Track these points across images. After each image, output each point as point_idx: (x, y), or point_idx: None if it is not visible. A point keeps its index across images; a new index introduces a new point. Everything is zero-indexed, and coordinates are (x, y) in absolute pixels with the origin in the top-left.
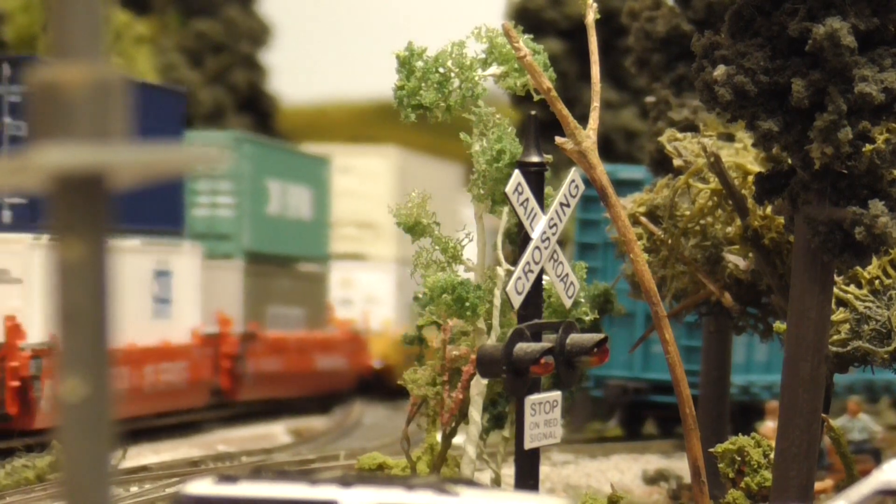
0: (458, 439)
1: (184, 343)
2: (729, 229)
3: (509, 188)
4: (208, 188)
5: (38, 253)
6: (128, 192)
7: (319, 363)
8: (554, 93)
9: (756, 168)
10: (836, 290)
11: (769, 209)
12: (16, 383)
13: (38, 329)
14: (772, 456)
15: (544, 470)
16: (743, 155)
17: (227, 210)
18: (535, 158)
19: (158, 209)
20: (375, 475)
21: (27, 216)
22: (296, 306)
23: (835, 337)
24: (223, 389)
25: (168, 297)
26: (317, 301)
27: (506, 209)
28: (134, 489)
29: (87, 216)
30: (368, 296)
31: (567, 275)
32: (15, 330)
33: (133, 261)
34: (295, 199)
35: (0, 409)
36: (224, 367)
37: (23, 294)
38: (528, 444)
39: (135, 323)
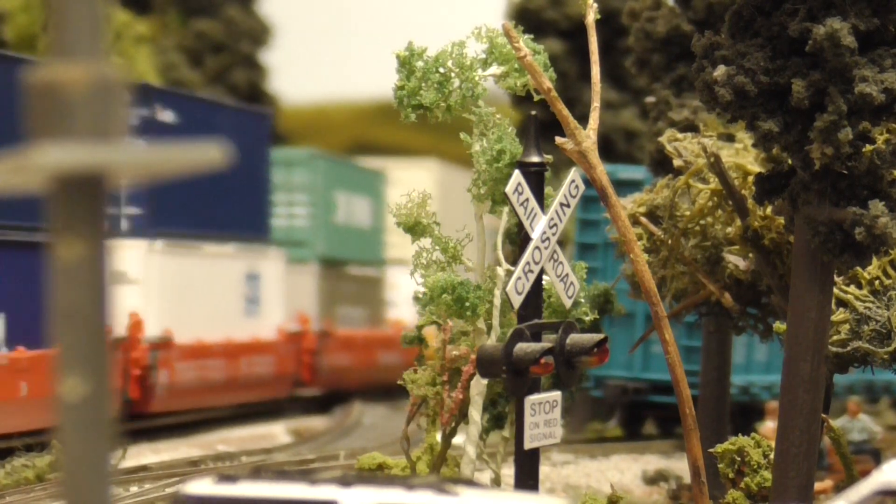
0: (457, 439)
1: (271, 339)
2: (729, 230)
3: (509, 188)
4: (286, 200)
5: (153, 257)
6: (222, 203)
7: (381, 358)
8: (554, 93)
9: (756, 168)
10: (836, 290)
11: (769, 209)
12: (137, 372)
13: (153, 324)
14: (772, 456)
15: (544, 470)
16: (743, 155)
17: (303, 219)
18: (535, 158)
19: (248, 219)
20: (375, 475)
21: (142, 225)
22: (359, 307)
23: (835, 337)
24: (304, 381)
25: (257, 298)
26: (375, 302)
27: (506, 209)
28: (134, 489)
29: (86, 216)
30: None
31: (567, 275)
32: (136, 325)
33: (228, 265)
34: (357, 209)
35: (124, 395)
36: (305, 362)
37: (140, 294)
38: (527, 444)
39: (230, 320)
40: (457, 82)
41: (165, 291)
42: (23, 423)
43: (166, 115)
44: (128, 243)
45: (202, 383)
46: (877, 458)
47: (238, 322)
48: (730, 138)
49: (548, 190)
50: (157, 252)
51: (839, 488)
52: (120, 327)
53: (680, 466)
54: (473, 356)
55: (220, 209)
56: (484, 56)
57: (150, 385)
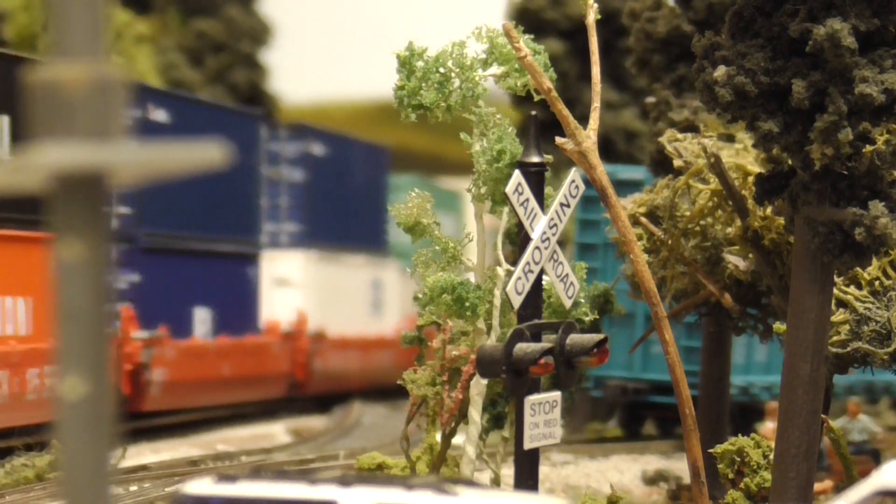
0: (457, 439)
1: (391, 337)
2: (729, 230)
3: (509, 188)
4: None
5: (309, 265)
6: (356, 221)
7: None
8: (554, 93)
9: (756, 169)
10: (836, 290)
11: (769, 210)
12: (301, 359)
13: (313, 321)
14: (771, 457)
15: (544, 470)
16: (743, 155)
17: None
18: (535, 159)
19: (372, 234)
20: (375, 475)
21: (301, 238)
22: None
23: (835, 338)
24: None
25: (380, 301)
26: None
27: (506, 209)
28: (133, 488)
29: (86, 215)
30: None
31: (567, 275)
32: (302, 321)
33: (360, 273)
34: (445, 225)
35: (291, 379)
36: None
37: (301, 296)
38: (527, 445)
39: (361, 319)
40: (457, 82)
41: (319, 294)
42: (225, 397)
43: (316, 149)
44: (289, 254)
45: (344, 370)
46: (876, 458)
47: (367, 321)
48: (730, 139)
49: (548, 190)
50: (312, 261)
51: (839, 489)
52: (287, 323)
53: (679, 467)
54: (473, 356)
55: (354, 226)
56: (484, 56)
57: (310, 370)
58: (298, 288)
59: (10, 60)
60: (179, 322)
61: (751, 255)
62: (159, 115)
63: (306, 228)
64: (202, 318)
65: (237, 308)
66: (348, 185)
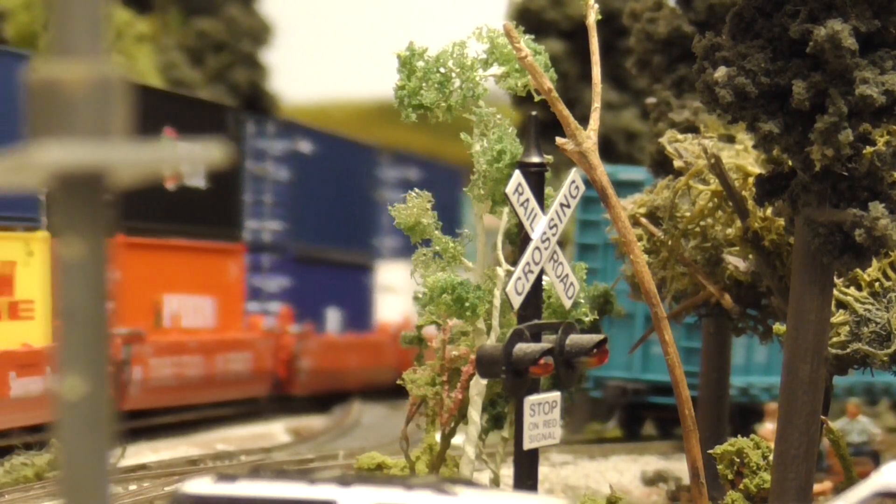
0: (457, 439)
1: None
2: (729, 231)
3: (510, 188)
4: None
5: (409, 273)
6: (444, 234)
7: None
8: (555, 93)
9: (756, 170)
10: (835, 292)
11: (769, 211)
12: (405, 355)
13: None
14: (771, 458)
15: (543, 470)
16: (743, 156)
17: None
18: (535, 159)
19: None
20: (374, 475)
21: (401, 250)
22: None
23: (834, 339)
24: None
25: None
26: None
27: (506, 209)
28: (133, 487)
29: (87, 214)
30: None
31: (567, 275)
32: (406, 323)
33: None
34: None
35: (398, 371)
36: None
37: (404, 301)
38: (527, 445)
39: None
40: (457, 82)
41: None
42: (351, 384)
43: (412, 173)
44: (395, 264)
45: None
46: (876, 459)
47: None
48: (730, 139)
49: (548, 190)
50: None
51: (838, 490)
52: (394, 325)
53: (679, 467)
54: (473, 356)
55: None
56: (485, 56)
57: (412, 365)
58: (402, 294)
59: (213, 107)
60: (317, 320)
61: (751, 256)
62: (305, 146)
63: (405, 241)
64: (333, 317)
65: (358, 310)
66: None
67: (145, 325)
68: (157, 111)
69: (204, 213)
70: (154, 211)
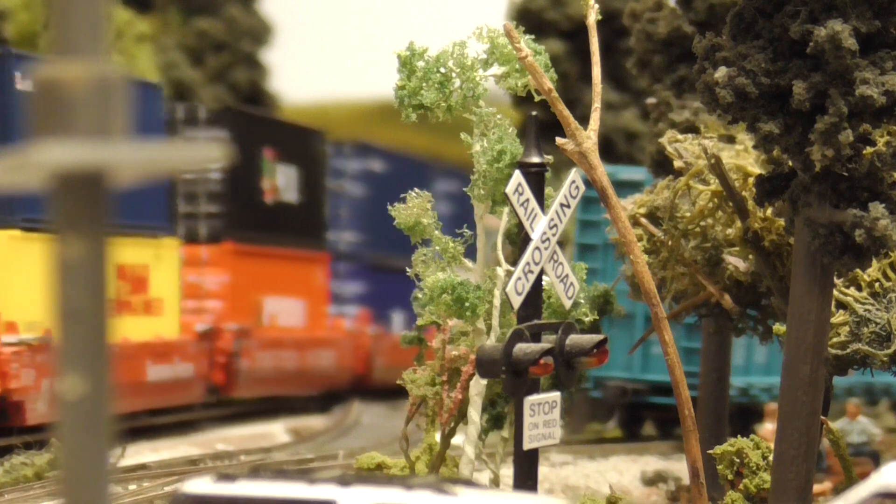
0: (457, 439)
1: None
2: (729, 231)
3: (510, 189)
4: None
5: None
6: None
7: None
8: (555, 93)
9: (756, 170)
10: (835, 292)
11: (769, 211)
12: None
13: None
14: (770, 458)
15: (543, 470)
16: (743, 157)
17: None
18: (535, 159)
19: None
20: (374, 475)
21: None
22: None
23: (834, 339)
24: None
25: None
26: None
27: (506, 210)
28: (132, 487)
29: (86, 214)
30: None
31: (567, 275)
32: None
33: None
34: None
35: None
36: None
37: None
38: (526, 445)
39: None
40: (458, 82)
41: None
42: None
43: (458, 186)
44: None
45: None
46: (876, 460)
47: None
48: (730, 140)
49: (548, 190)
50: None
51: (838, 490)
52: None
53: (679, 468)
54: (473, 356)
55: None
56: (485, 56)
57: None
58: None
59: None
60: (385, 322)
61: (751, 257)
62: (376, 165)
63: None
64: (398, 319)
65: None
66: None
67: (249, 323)
68: (258, 134)
69: (296, 224)
70: (256, 222)
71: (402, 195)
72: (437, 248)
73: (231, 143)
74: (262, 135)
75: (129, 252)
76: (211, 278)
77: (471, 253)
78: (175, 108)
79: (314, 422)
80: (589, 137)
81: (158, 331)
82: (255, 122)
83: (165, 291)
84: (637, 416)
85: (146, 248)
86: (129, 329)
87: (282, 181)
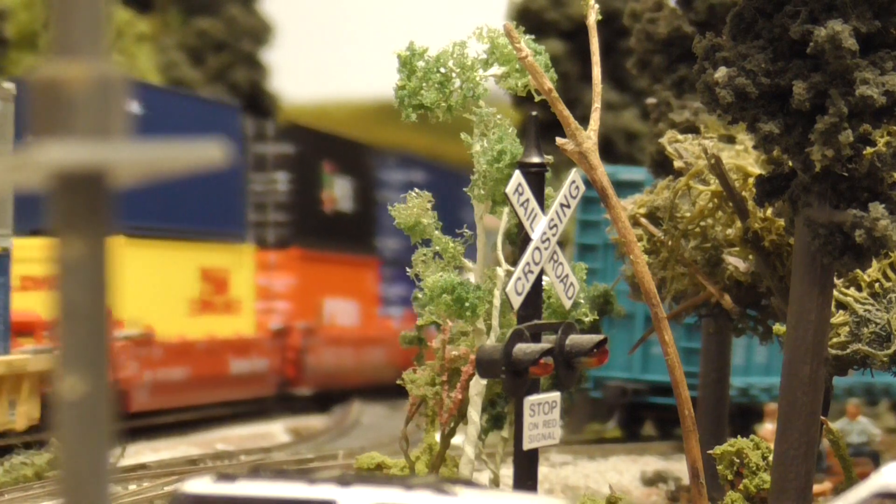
0: (456, 439)
1: None
2: (729, 231)
3: (510, 189)
4: None
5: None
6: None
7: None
8: (555, 93)
9: (756, 170)
10: (835, 292)
11: (769, 211)
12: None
13: None
14: (770, 458)
15: (543, 471)
16: (744, 157)
17: None
18: (535, 159)
19: None
20: (374, 475)
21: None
22: None
23: (834, 339)
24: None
25: None
26: None
27: (506, 210)
28: (132, 487)
29: (87, 214)
30: None
31: (567, 276)
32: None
33: None
34: None
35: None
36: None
37: None
38: (526, 445)
39: None
40: (458, 82)
41: None
42: None
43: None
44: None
45: None
46: (876, 460)
47: None
48: (730, 140)
49: (548, 191)
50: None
51: (838, 490)
52: None
53: (679, 468)
54: (473, 356)
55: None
56: (485, 56)
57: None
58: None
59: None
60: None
61: (751, 257)
62: (418, 176)
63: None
64: None
65: None
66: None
67: (312, 322)
68: (318, 149)
69: (350, 231)
70: (317, 230)
71: (439, 203)
72: (437, 248)
73: (296, 156)
74: (322, 149)
75: (212, 256)
76: (279, 281)
77: (471, 253)
78: (245, 125)
79: (314, 422)
80: (589, 137)
81: (237, 329)
82: (316, 137)
83: (243, 293)
84: (637, 416)
85: (226, 253)
86: (214, 327)
87: (338, 192)
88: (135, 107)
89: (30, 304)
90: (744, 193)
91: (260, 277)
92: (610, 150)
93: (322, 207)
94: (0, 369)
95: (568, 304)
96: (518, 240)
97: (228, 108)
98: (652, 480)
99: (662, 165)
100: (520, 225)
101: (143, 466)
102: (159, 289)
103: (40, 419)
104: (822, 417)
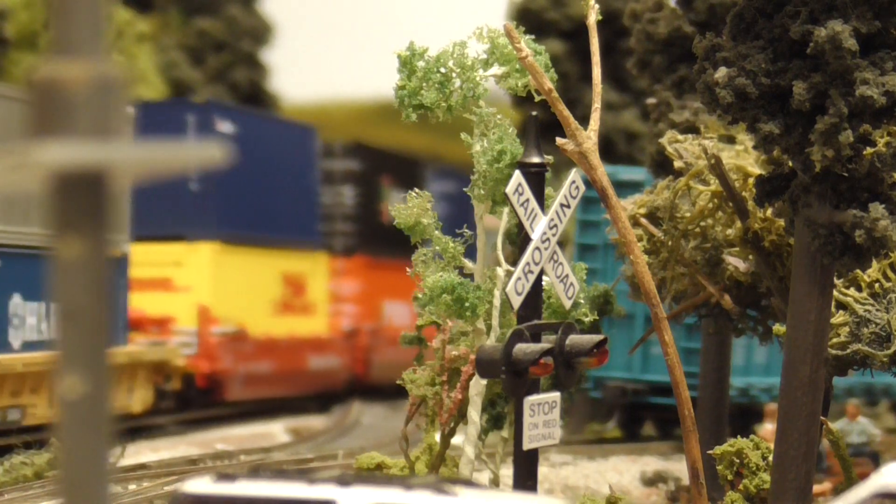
0: (456, 439)
1: None
2: (729, 231)
3: (510, 189)
4: None
5: None
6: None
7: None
8: (555, 93)
9: (757, 170)
10: (835, 292)
11: (769, 211)
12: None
13: None
14: (770, 458)
15: (543, 471)
16: (744, 157)
17: None
18: (535, 159)
19: None
20: (374, 475)
21: (469, 254)
22: None
23: (834, 340)
24: None
25: None
26: None
27: (506, 210)
28: (132, 487)
29: (87, 214)
30: None
31: (567, 276)
32: None
33: None
34: None
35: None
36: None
37: None
38: (526, 445)
39: None
40: (458, 82)
41: None
42: None
43: None
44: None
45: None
46: (876, 460)
47: None
48: (730, 140)
49: (548, 191)
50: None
51: (838, 491)
52: None
53: (679, 468)
54: (473, 356)
55: None
56: (485, 56)
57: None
58: None
59: (408, 160)
60: None
61: (751, 257)
62: (451, 187)
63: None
64: None
65: None
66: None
67: (375, 324)
68: (378, 164)
69: (402, 240)
70: (377, 238)
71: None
72: (437, 248)
73: (360, 172)
74: (381, 165)
75: (292, 263)
76: (346, 285)
77: (471, 253)
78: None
79: (314, 422)
80: (589, 138)
81: (313, 329)
82: (376, 153)
83: (318, 296)
84: (637, 416)
85: (304, 259)
86: (294, 326)
87: (394, 204)
88: (230, 127)
89: (137, 302)
90: (744, 194)
91: (330, 282)
92: (610, 150)
93: (381, 218)
94: (120, 359)
95: (568, 304)
96: (518, 240)
97: (307, 129)
98: (652, 480)
99: (662, 165)
100: (520, 225)
101: (142, 466)
102: (249, 291)
103: (153, 404)
104: (822, 418)
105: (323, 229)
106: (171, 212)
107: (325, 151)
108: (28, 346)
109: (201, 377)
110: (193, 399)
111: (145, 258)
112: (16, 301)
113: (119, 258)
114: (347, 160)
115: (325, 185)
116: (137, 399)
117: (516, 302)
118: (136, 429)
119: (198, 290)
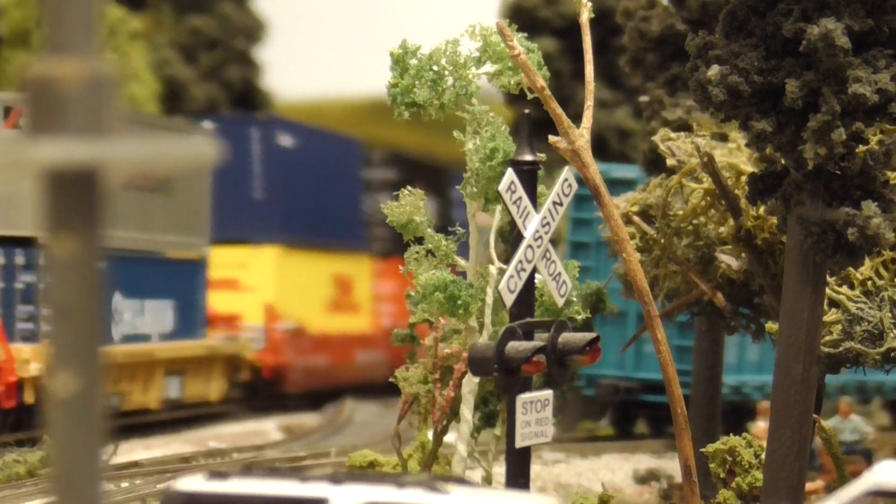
0: (449, 437)
1: None
2: (722, 229)
3: (502, 186)
4: None
5: None
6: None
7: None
8: (548, 91)
9: (749, 168)
10: (828, 290)
11: (762, 209)
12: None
13: None
14: (763, 456)
15: (535, 468)
16: (736, 155)
17: None
18: (528, 157)
19: None
20: (366, 473)
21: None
22: None
23: (827, 338)
24: None
25: None
26: None
27: (498, 207)
28: (125, 485)
29: (79, 212)
30: None
31: (559, 273)
32: None
33: None
34: None
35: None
36: None
37: None
38: (519, 443)
39: None
40: (450, 80)
41: None
42: None
43: None
44: None
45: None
46: (868, 458)
47: None
48: (723, 138)
49: (541, 188)
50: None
51: (830, 489)
52: None
53: (671, 466)
54: (465, 354)
55: None
56: (478, 54)
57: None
58: None
59: (438, 169)
60: None
61: (743, 255)
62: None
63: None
64: None
65: None
66: None
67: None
68: (413, 173)
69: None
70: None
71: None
72: (430, 245)
73: (397, 180)
74: (416, 173)
75: (341, 265)
76: (384, 286)
77: (463, 251)
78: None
79: (306, 419)
80: (582, 135)
81: (359, 326)
82: (411, 162)
83: (363, 296)
84: (629, 414)
85: (351, 262)
86: (343, 324)
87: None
88: (289, 140)
89: (212, 300)
90: (736, 191)
91: (372, 283)
92: (603, 147)
93: None
94: (200, 352)
95: (560, 301)
96: (510, 238)
97: (353, 142)
98: (644, 478)
99: (655, 163)
100: (512, 223)
101: (135, 464)
102: (306, 290)
103: (227, 393)
104: (815, 415)
105: (365, 234)
106: (237, 218)
107: (364, 161)
108: (126, 338)
109: (267, 369)
110: (260, 389)
111: (214, 260)
112: (116, 298)
113: (198, 260)
114: (386, 169)
115: (365, 193)
116: (214, 388)
117: (509, 300)
118: (208, 415)
119: (262, 289)
